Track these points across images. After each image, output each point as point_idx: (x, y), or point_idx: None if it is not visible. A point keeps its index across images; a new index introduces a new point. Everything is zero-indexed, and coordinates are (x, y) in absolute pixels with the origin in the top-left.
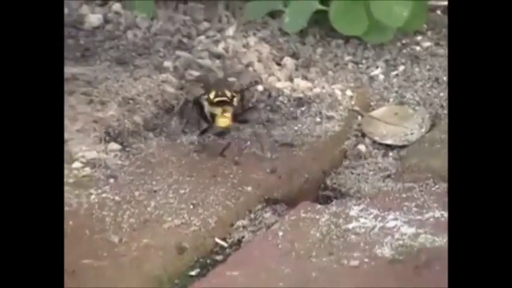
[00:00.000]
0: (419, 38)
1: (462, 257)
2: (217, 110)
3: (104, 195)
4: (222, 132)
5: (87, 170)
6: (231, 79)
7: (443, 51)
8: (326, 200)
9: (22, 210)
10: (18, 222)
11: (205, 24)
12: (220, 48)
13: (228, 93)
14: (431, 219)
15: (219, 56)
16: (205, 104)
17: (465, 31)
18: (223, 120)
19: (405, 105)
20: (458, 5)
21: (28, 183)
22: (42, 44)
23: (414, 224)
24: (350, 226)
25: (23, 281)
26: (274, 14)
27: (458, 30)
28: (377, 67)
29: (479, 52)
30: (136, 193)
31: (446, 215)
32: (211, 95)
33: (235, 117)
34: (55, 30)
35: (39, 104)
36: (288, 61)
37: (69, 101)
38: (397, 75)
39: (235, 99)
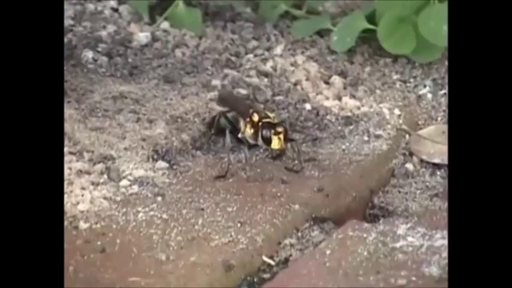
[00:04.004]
0: None
1: (462, 257)
2: (270, 132)
3: (151, 213)
4: (279, 155)
5: (135, 188)
6: (279, 97)
7: None
8: (373, 219)
9: (23, 212)
10: (18, 223)
11: (254, 43)
12: (268, 66)
13: (270, 115)
14: None
15: (266, 75)
16: (245, 127)
17: (465, 35)
18: (278, 142)
19: None
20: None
21: (28, 183)
22: (43, 47)
23: None
24: (397, 245)
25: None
26: (322, 33)
27: (458, 32)
28: (425, 86)
29: (479, 53)
30: (184, 211)
31: None
32: (255, 118)
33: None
34: (55, 33)
35: (40, 104)
36: (336, 80)
37: (117, 119)
38: (445, 94)
39: (276, 120)
